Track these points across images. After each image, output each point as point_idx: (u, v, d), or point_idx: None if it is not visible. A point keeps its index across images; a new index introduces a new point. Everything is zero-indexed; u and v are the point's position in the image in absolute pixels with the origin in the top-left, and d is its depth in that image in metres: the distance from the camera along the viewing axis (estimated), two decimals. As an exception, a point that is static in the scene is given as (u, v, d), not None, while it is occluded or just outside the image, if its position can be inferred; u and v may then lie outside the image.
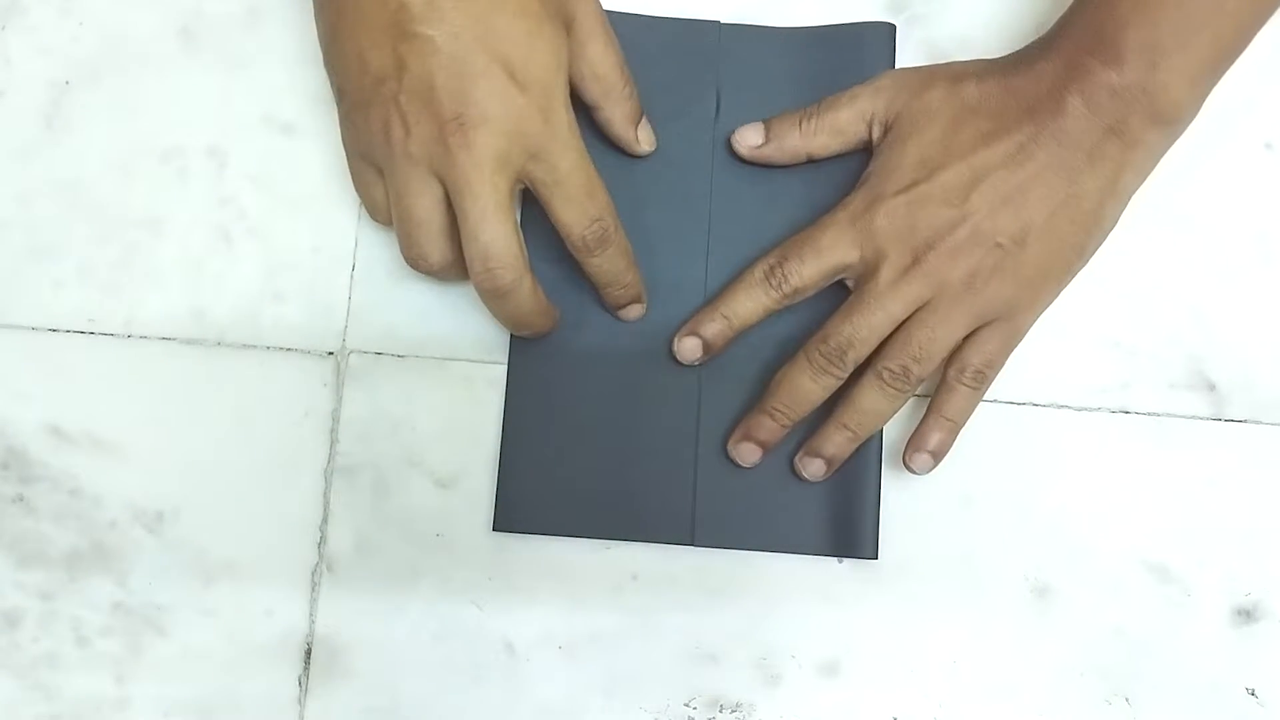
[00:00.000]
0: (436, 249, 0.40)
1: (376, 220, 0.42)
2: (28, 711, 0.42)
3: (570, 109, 0.40)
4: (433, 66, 0.37)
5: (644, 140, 0.44)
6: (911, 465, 0.42)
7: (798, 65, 0.45)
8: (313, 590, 0.43)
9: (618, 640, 0.43)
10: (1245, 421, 0.44)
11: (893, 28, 0.45)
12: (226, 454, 0.43)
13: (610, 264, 0.41)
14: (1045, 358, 0.44)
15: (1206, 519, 0.43)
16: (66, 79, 0.45)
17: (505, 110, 0.38)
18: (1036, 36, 0.42)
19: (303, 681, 0.42)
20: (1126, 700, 0.42)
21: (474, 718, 0.42)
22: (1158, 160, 0.41)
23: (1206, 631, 0.43)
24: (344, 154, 0.41)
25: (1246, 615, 0.43)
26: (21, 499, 0.43)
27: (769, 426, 0.42)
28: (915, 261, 0.40)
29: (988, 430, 0.44)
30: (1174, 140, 0.41)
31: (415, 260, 0.40)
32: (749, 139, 0.44)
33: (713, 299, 0.43)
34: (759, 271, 0.42)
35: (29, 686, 0.42)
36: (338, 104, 0.41)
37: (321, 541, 0.43)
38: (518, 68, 0.38)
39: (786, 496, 0.43)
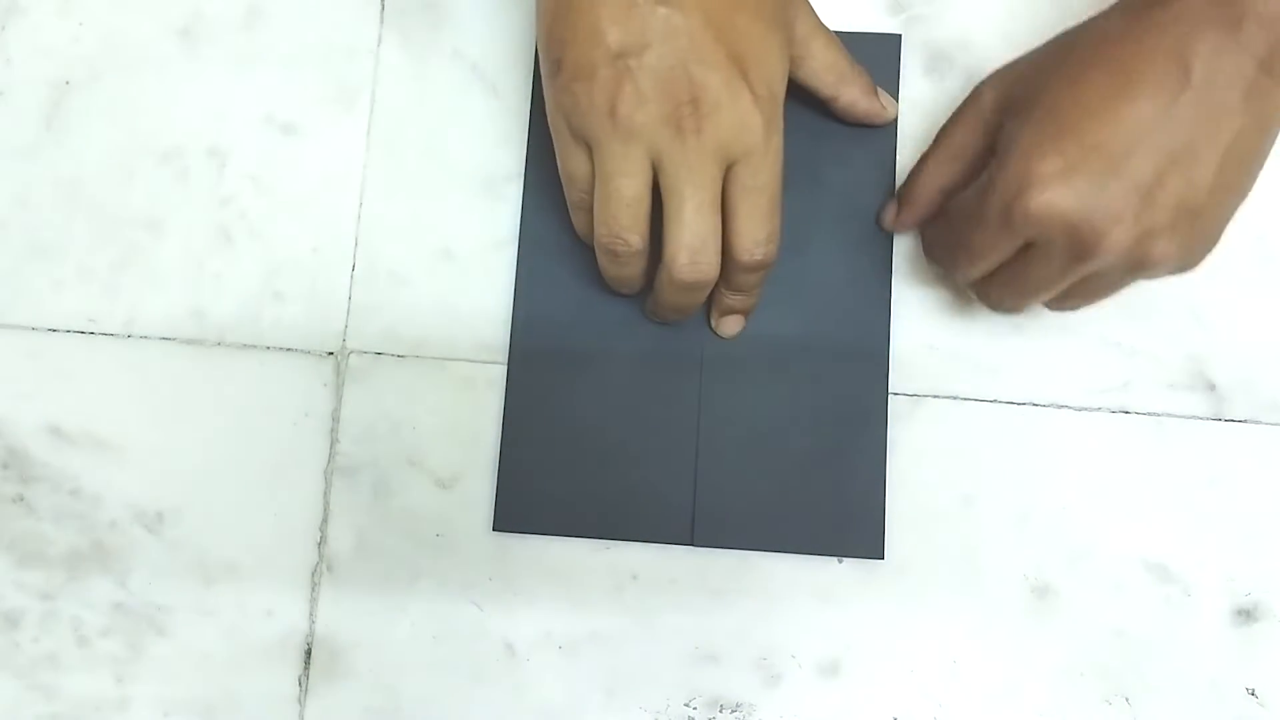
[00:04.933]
0: (639, 232, 0.39)
1: (572, 195, 0.40)
2: (28, 711, 0.42)
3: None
4: (675, 48, 0.36)
5: (888, 105, 0.44)
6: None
7: None
8: (313, 590, 0.43)
9: (618, 640, 0.43)
10: (1245, 421, 0.44)
11: (899, 39, 0.45)
12: (226, 454, 0.43)
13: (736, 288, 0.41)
14: (1045, 358, 0.44)
15: (1206, 519, 0.43)
16: (66, 79, 0.45)
17: (736, 106, 0.37)
18: (1038, 38, 0.41)
19: (303, 681, 0.42)
20: (1126, 700, 0.42)
21: (474, 718, 0.42)
22: None
23: (1206, 631, 0.43)
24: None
25: (1246, 615, 0.43)
26: (21, 499, 0.43)
27: None
28: (1092, 244, 0.37)
29: (988, 430, 0.44)
30: None
31: (612, 240, 0.39)
32: (886, 218, 0.44)
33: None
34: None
35: (29, 686, 0.42)
36: (552, 76, 0.39)
37: (321, 541, 0.43)
38: (750, 69, 0.37)
39: (788, 496, 0.43)
